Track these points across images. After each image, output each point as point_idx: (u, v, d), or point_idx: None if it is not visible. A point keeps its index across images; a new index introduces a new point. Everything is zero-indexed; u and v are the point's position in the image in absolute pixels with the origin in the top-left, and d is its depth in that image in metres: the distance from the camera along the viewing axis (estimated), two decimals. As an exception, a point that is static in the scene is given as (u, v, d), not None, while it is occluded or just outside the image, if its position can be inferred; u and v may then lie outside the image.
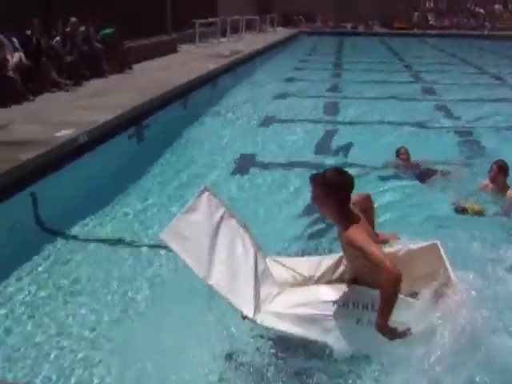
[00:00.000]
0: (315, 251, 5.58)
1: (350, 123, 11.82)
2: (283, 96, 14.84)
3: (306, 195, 7.10)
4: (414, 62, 23.67)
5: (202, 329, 4.01)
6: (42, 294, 5.10)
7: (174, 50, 20.60)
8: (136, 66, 15.91)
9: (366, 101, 14.16)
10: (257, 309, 3.86)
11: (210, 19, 25.72)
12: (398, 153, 8.35)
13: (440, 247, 4.16)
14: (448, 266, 3.93)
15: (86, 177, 7.58)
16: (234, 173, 8.65)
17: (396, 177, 8.12)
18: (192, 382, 3.77)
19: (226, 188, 7.89)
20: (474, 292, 3.72)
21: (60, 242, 6.24)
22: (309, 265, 4.32)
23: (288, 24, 43.23)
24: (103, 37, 15.12)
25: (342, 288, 3.85)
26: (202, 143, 10.49)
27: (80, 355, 4.17)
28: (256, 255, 4.12)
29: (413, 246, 4.24)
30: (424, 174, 7.93)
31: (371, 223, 3.95)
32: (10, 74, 10.67)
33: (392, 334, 3.38)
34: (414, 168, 8.18)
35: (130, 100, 10.47)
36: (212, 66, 15.83)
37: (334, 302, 3.76)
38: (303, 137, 10.71)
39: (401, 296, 3.51)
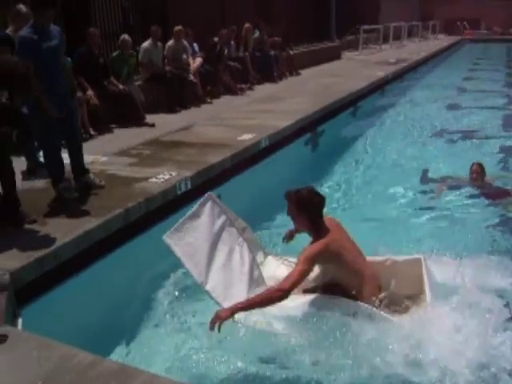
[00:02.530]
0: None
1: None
2: (455, 107, 14.14)
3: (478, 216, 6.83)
4: None
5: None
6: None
7: (339, 57, 20.53)
8: (303, 72, 16.02)
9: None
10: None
11: (373, 26, 25.36)
12: (470, 169, 7.66)
13: (423, 262, 4.29)
14: (426, 282, 4.09)
15: (264, 181, 7.63)
16: (404, 184, 8.26)
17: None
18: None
19: (395, 199, 7.70)
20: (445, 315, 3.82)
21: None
22: None
23: (450, 30, 41.64)
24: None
25: (320, 298, 4.04)
26: (370, 152, 10.24)
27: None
28: (251, 264, 4.43)
29: (398, 258, 4.45)
30: (493, 194, 7.29)
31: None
32: (191, 77, 11.09)
33: (218, 318, 3.62)
34: (486, 187, 7.50)
35: (304, 106, 10.45)
36: (380, 73, 15.49)
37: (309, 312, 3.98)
38: (478, 152, 10.00)
39: (381, 313, 3.83)
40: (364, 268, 4.10)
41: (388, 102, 14.47)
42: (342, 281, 4.07)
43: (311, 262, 3.84)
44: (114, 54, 10.03)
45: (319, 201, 4.03)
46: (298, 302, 4.02)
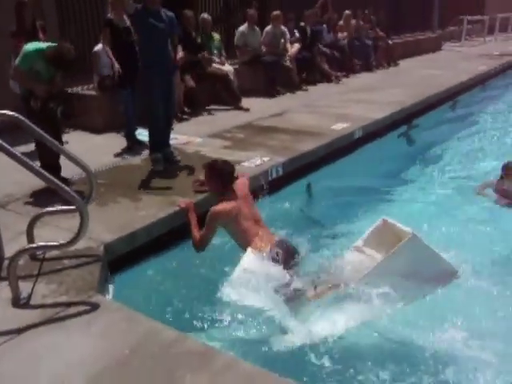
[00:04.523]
0: None
1: None
2: None
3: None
4: None
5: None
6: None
7: (439, 48, 19.92)
8: (401, 63, 15.66)
9: None
10: None
11: (478, 16, 24.34)
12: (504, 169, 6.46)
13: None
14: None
15: (354, 173, 7.52)
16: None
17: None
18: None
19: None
20: None
21: (324, 232, 6.18)
22: None
23: None
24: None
25: None
26: (469, 150, 9.83)
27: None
28: None
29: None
30: None
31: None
32: (288, 63, 11.08)
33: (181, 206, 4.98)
34: None
35: (400, 98, 10.21)
36: (482, 67, 14.87)
37: None
38: None
39: None
40: (254, 231, 4.67)
41: (489, 98, 13.82)
42: (236, 239, 4.73)
43: (214, 221, 4.62)
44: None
45: (227, 169, 4.83)
46: None
